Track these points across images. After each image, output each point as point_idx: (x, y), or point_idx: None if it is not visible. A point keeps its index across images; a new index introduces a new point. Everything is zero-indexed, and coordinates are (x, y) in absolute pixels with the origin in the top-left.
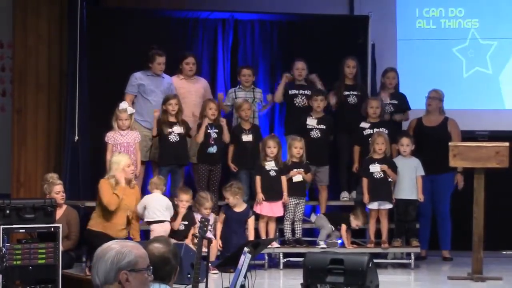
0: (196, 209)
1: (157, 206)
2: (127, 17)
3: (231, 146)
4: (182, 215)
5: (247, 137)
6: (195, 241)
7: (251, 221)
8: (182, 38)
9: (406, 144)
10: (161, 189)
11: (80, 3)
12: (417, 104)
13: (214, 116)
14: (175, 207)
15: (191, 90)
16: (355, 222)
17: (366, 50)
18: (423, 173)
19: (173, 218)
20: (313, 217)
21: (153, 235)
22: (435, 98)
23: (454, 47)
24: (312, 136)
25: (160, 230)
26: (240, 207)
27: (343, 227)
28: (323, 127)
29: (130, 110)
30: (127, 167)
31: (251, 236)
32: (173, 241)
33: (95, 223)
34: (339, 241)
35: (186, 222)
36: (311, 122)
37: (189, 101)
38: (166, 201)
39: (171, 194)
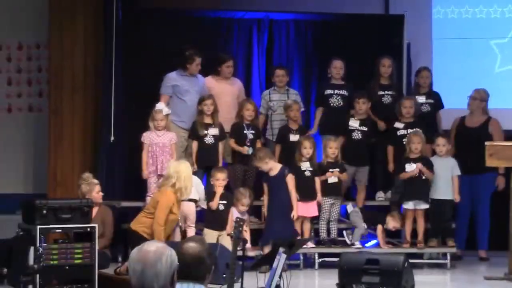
0: (233, 204)
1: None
2: (162, 18)
3: (277, 146)
4: (220, 194)
5: (294, 137)
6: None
7: (290, 179)
8: (217, 38)
9: (442, 144)
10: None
11: (115, 4)
12: (453, 103)
13: (251, 117)
14: (212, 188)
15: (225, 91)
16: (393, 224)
17: (401, 49)
18: (459, 173)
19: (211, 199)
20: (349, 208)
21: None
22: (476, 98)
23: (492, 40)
24: (353, 137)
25: (185, 208)
26: (275, 170)
27: (379, 227)
28: (365, 129)
29: (166, 111)
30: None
31: (293, 196)
32: (209, 240)
33: (145, 228)
34: (375, 241)
35: (225, 202)
36: (354, 123)
37: (223, 102)
38: (196, 179)
39: (206, 195)
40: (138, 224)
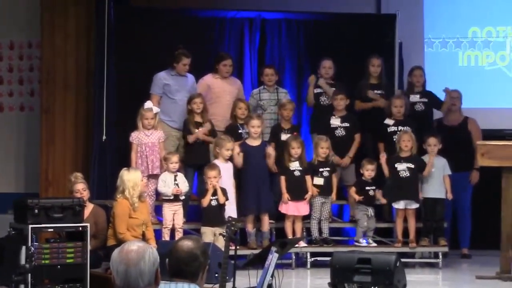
0: (217, 153)
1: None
2: (154, 17)
3: (272, 144)
4: (211, 192)
5: (285, 137)
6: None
7: (271, 150)
8: (209, 37)
9: (433, 144)
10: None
11: (108, 2)
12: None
13: (243, 115)
14: (205, 186)
15: (226, 90)
16: (368, 171)
17: (393, 49)
18: (450, 172)
19: (203, 196)
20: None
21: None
22: (459, 98)
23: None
24: (337, 135)
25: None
26: (257, 141)
27: (352, 189)
28: (347, 125)
29: (155, 109)
30: (142, 183)
31: (238, 162)
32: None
33: (112, 239)
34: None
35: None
36: (335, 121)
37: (224, 100)
38: (181, 177)
39: (198, 193)
40: (109, 239)
